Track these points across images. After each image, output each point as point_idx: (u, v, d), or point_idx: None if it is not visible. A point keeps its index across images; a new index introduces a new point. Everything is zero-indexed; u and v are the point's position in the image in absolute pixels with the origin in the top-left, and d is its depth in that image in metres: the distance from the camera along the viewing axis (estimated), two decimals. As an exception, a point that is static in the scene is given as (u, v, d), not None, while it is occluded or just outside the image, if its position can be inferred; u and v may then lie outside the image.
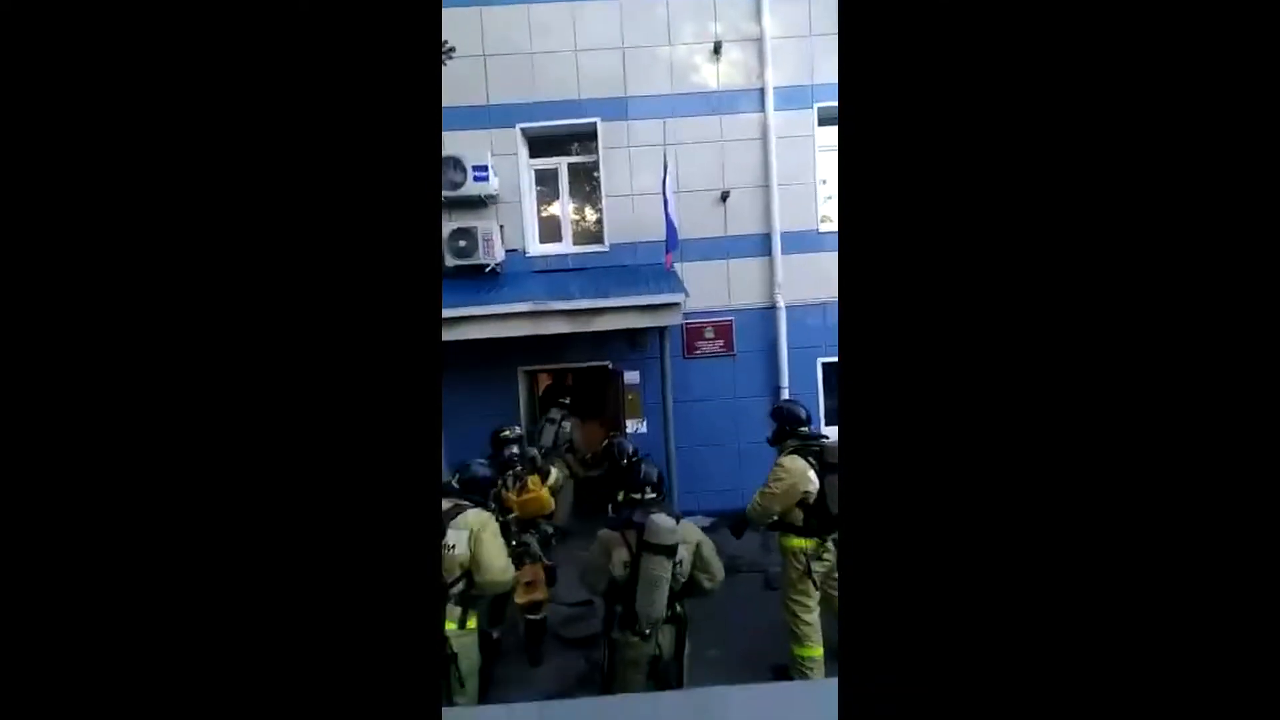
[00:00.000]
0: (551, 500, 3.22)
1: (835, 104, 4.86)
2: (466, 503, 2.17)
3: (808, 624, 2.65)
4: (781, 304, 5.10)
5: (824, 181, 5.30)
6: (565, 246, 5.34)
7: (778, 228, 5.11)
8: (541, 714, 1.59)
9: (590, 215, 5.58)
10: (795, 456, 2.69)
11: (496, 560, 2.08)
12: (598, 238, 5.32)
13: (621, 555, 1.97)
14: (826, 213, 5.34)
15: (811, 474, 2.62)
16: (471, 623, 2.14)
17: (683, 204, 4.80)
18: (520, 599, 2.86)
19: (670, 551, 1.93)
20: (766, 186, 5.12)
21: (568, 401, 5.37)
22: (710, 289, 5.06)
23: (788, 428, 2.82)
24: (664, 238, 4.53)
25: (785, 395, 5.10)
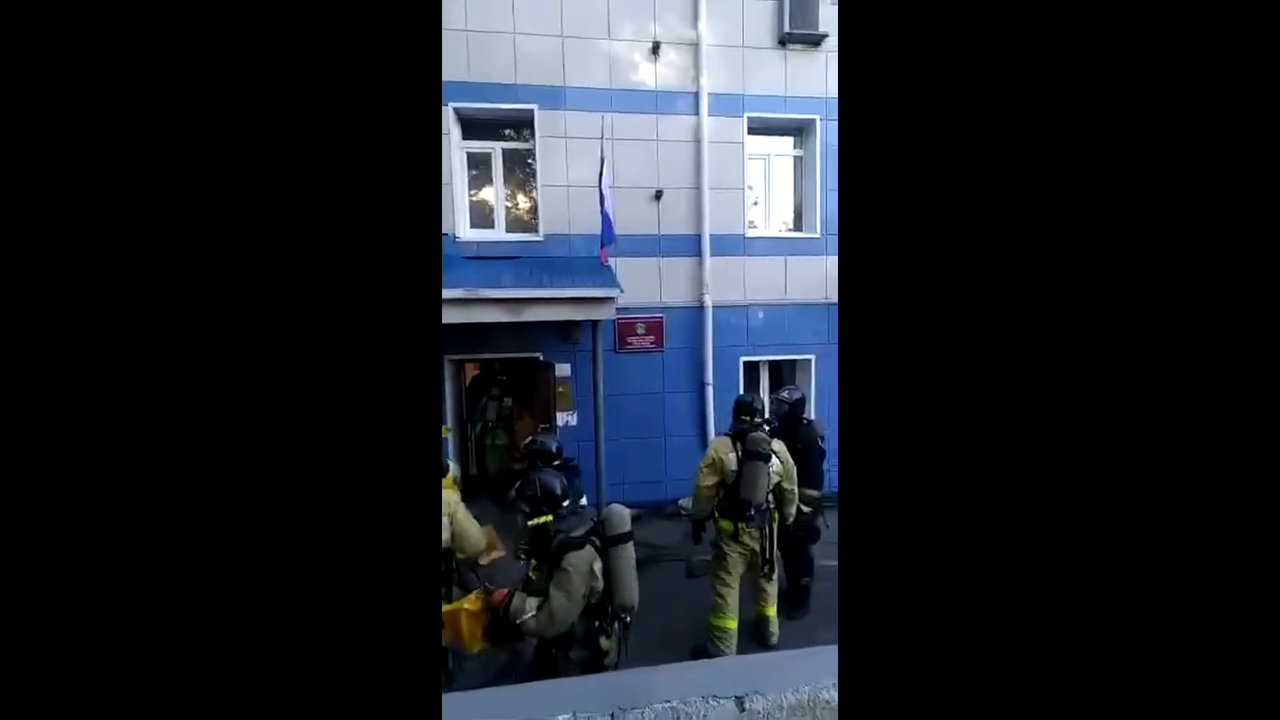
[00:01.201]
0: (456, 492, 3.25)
1: (764, 115, 5.16)
2: None
3: (722, 598, 2.88)
4: (709, 304, 5.31)
5: (750, 188, 5.58)
6: (498, 233, 5.22)
7: (708, 230, 5.31)
8: (552, 691, 1.62)
9: (524, 203, 5.50)
10: (724, 438, 2.90)
11: (473, 530, 2.15)
12: (531, 227, 5.25)
13: (599, 565, 1.92)
14: (752, 218, 5.61)
15: (732, 455, 2.80)
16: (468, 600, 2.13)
17: (617, 200, 4.86)
18: (484, 561, 2.83)
19: (632, 535, 1.97)
20: (698, 189, 5.29)
21: (504, 379, 5.62)
22: (642, 285, 5.17)
23: (735, 416, 3.01)
24: (599, 231, 4.57)
25: (710, 391, 5.34)
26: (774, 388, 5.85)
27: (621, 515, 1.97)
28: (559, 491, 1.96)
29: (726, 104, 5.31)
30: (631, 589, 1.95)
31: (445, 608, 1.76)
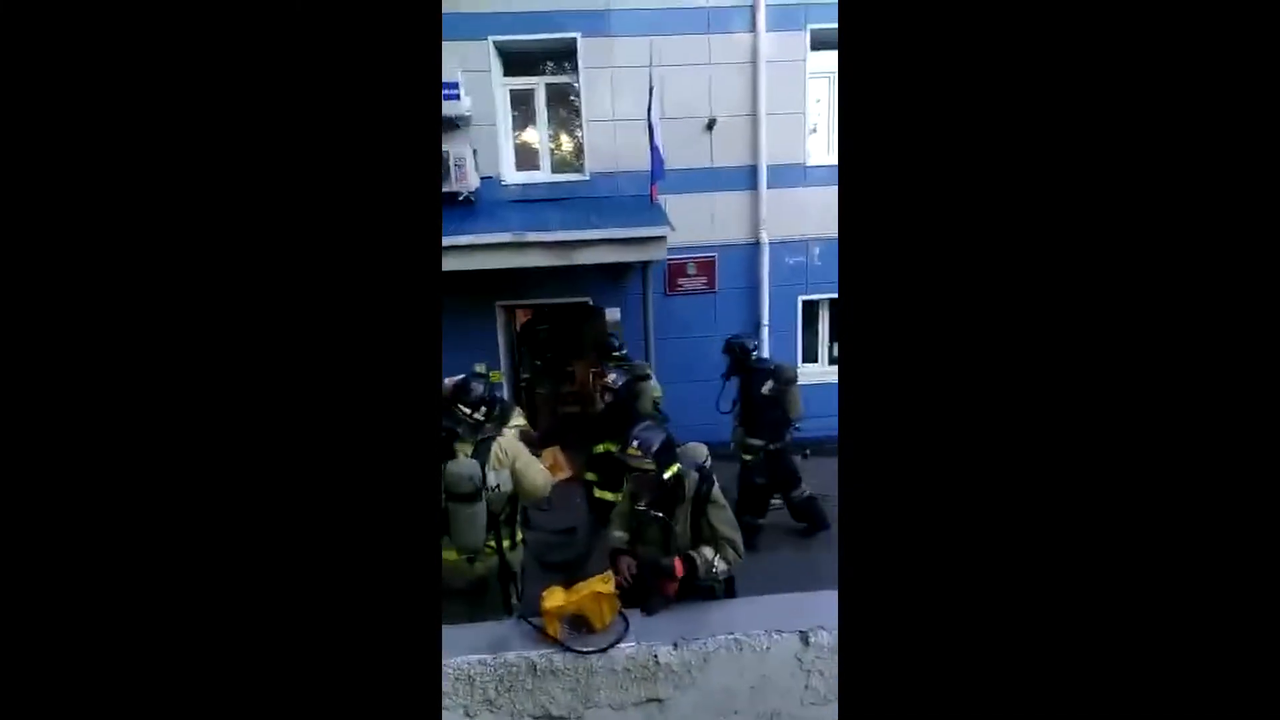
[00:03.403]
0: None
1: (829, 26, 4.66)
2: (486, 435, 2.05)
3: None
4: (765, 240, 5.03)
5: (805, 112, 5.11)
6: (543, 174, 5.08)
7: (764, 160, 4.95)
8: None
9: (568, 143, 5.31)
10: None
11: (539, 479, 2.09)
12: (577, 166, 5.08)
13: None
14: (812, 146, 5.19)
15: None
16: (519, 534, 2.15)
17: (667, 131, 4.57)
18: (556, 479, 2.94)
19: None
20: (754, 115, 4.91)
21: (544, 327, 5.93)
22: (693, 223, 4.93)
23: (606, 355, 3.63)
24: (648, 167, 4.35)
25: (765, 332, 5.14)
26: (835, 328, 5.59)
27: (704, 450, 2.02)
28: (664, 441, 1.90)
29: (786, 16, 4.83)
30: None
31: (566, 596, 1.63)
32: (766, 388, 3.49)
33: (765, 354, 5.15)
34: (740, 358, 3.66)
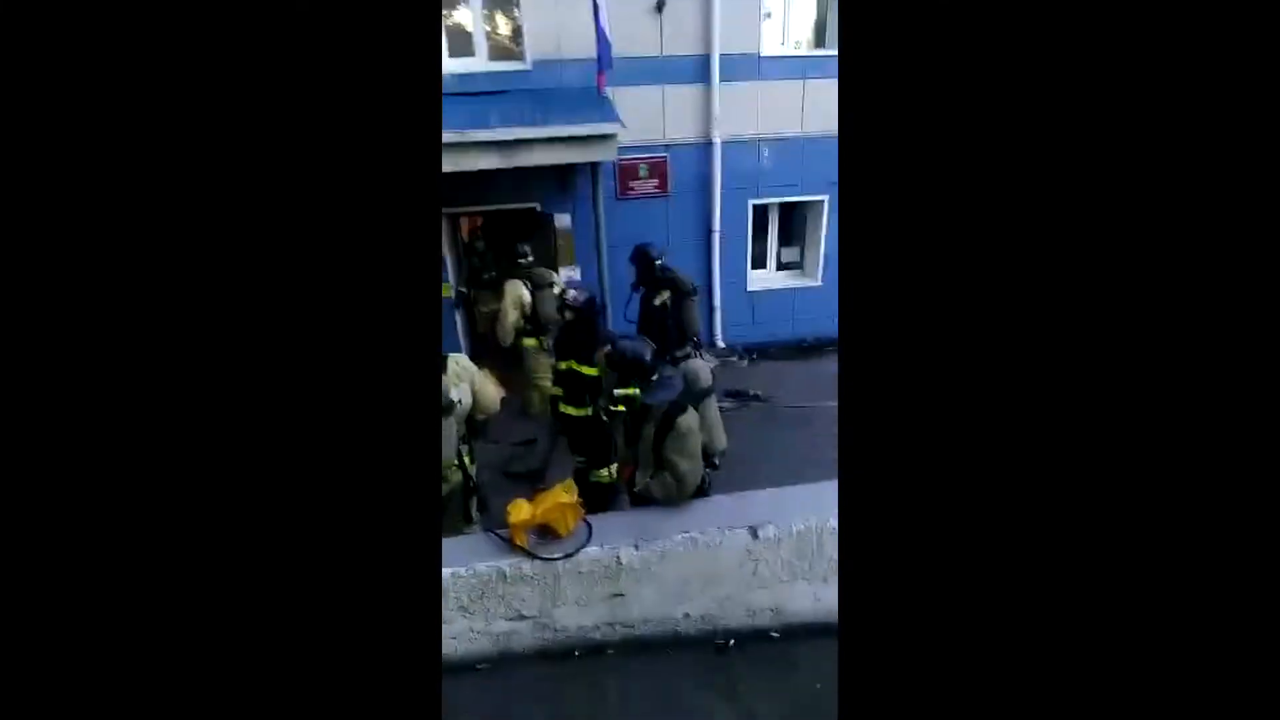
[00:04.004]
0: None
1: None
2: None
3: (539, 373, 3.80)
4: (718, 140, 4.82)
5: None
6: (480, 62, 4.56)
7: (717, 49, 4.61)
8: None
9: (505, 25, 4.74)
10: (514, 281, 3.75)
11: (492, 392, 2.22)
12: (517, 53, 4.57)
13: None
14: (767, 33, 4.84)
15: (525, 291, 3.69)
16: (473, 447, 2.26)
17: (613, 12, 4.13)
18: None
19: (713, 388, 2.17)
20: (707, -5, 4.49)
21: (481, 239, 5.83)
22: (643, 119, 4.63)
23: (512, 259, 3.85)
24: (593, 53, 3.97)
25: (716, 239, 5.10)
26: (783, 232, 5.58)
27: (703, 370, 2.04)
28: (647, 360, 1.88)
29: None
30: (721, 435, 2.05)
31: (532, 509, 1.69)
32: (659, 299, 3.44)
33: (715, 261, 5.16)
34: (645, 267, 3.58)
